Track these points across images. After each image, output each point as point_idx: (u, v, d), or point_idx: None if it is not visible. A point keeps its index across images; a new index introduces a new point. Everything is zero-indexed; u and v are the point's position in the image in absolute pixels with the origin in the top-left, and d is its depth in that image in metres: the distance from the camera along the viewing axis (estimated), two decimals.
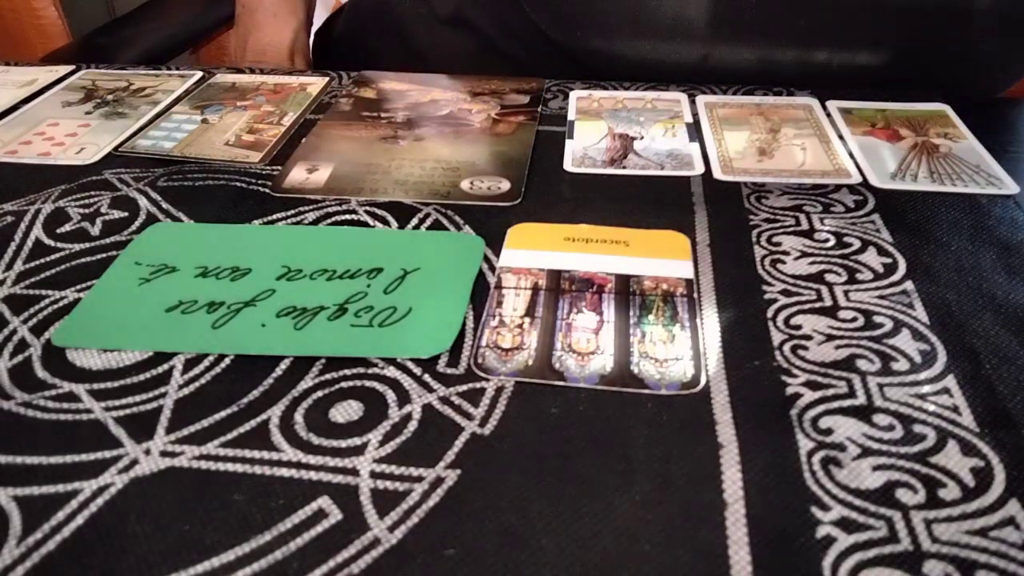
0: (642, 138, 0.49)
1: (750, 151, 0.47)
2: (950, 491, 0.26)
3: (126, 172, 0.46)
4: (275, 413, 0.30)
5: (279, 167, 0.46)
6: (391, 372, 0.31)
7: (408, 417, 0.29)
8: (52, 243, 0.40)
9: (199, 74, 0.58)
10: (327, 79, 0.58)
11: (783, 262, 0.37)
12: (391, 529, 0.25)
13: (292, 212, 0.42)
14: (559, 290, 0.35)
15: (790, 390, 0.30)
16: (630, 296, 0.35)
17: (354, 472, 0.27)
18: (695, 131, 0.49)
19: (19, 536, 0.25)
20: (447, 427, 0.29)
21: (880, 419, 0.29)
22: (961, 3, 0.53)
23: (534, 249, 0.38)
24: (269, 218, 0.42)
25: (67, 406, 0.30)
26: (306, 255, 0.38)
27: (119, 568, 0.24)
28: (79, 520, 0.26)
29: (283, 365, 0.32)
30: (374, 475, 0.27)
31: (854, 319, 0.34)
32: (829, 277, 0.36)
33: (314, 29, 0.76)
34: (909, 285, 0.36)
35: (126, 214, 0.42)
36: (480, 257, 0.38)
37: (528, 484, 0.27)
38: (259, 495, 0.27)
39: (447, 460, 0.28)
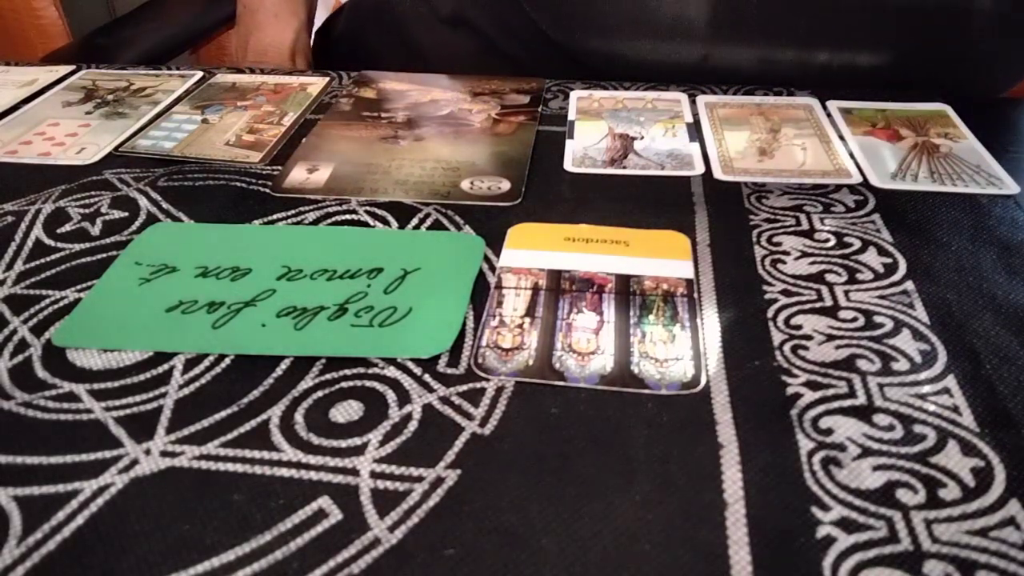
0: (642, 138, 0.49)
1: (750, 151, 0.47)
2: (950, 491, 0.26)
3: (126, 172, 0.46)
4: (275, 413, 0.30)
5: (279, 167, 0.46)
6: (391, 372, 0.31)
7: (408, 417, 0.29)
8: (52, 243, 0.40)
9: (199, 74, 0.58)
10: (327, 79, 0.58)
11: (783, 262, 0.37)
12: (391, 529, 0.25)
13: (292, 212, 0.42)
14: (559, 290, 0.35)
15: (790, 390, 0.30)
16: (630, 296, 0.35)
17: (354, 472, 0.27)
18: (695, 131, 0.49)
19: (19, 536, 0.25)
20: (447, 427, 0.29)
21: (880, 419, 0.29)
22: (961, 3, 0.53)
23: (534, 249, 0.38)
24: (269, 218, 0.42)
25: (67, 406, 0.30)
26: (306, 255, 0.38)
27: (119, 568, 0.24)
28: (79, 520, 0.26)
29: (283, 365, 0.32)
30: (374, 475, 0.27)
31: (854, 319, 0.34)
32: (829, 277, 0.36)
33: (314, 29, 0.76)
34: (909, 285, 0.36)
35: (126, 214, 0.42)
36: (480, 257, 0.38)
37: (528, 484, 0.27)
38: (259, 495, 0.27)
39: (447, 460, 0.28)
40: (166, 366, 0.32)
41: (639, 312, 0.34)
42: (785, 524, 0.25)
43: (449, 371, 0.31)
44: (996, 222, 0.40)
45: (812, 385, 0.30)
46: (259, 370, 0.32)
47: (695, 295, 0.35)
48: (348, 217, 0.41)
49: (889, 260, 0.37)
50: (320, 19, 0.77)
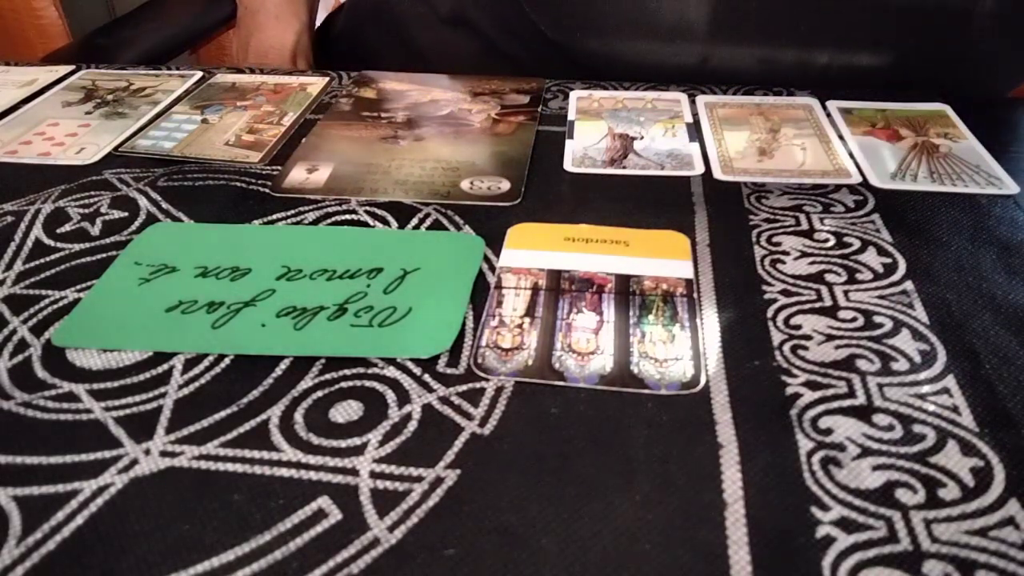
0: (642, 138, 0.49)
1: (750, 151, 0.47)
2: (950, 491, 0.26)
3: (126, 172, 0.46)
4: (275, 413, 0.30)
5: (279, 167, 0.46)
6: (391, 372, 0.31)
7: (408, 417, 0.29)
8: (52, 243, 0.40)
9: (199, 74, 0.58)
10: (327, 79, 0.58)
11: (783, 262, 0.37)
12: (391, 529, 0.25)
13: (292, 212, 0.42)
14: (559, 290, 0.36)
15: (790, 390, 0.30)
16: (630, 296, 0.35)
17: (354, 472, 0.27)
18: (695, 131, 0.49)
19: (19, 536, 0.25)
20: (447, 427, 0.29)
21: (880, 419, 0.29)
22: (962, 4, 0.53)
23: (534, 249, 0.38)
24: (269, 218, 0.42)
25: (67, 406, 0.30)
26: (306, 255, 0.38)
27: (119, 568, 0.24)
28: (79, 520, 0.26)
29: (283, 365, 0.32)
30: (374, 475, 0.27)
31: (854, 319, 0.34)
32: (829, 277, 0.36)
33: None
34: (909, 285, 0.36)
35: (126, 214, 0.42)
36: (480, 257, 0.38)
37: (528, 484, 0.27)
38: (259, 495, 0.27)
39: (447, 460, 0.28)
40: (166, 366, 0.32)
41: (639, 312, 0.34)
42: (785, 524, 0.25)
43: (449, 371, 0.31)
44: (996, 222, 0.40)
45: (812, 385, 0.30)
46: (259, 370, 0.32)
47: (695, 295, 0.35)
48: (348, 217, 0.41)
49: (889, 260, 0.37)
50: (319, 18, 0.77)
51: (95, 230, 0.41)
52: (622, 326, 0.33)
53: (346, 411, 0.30)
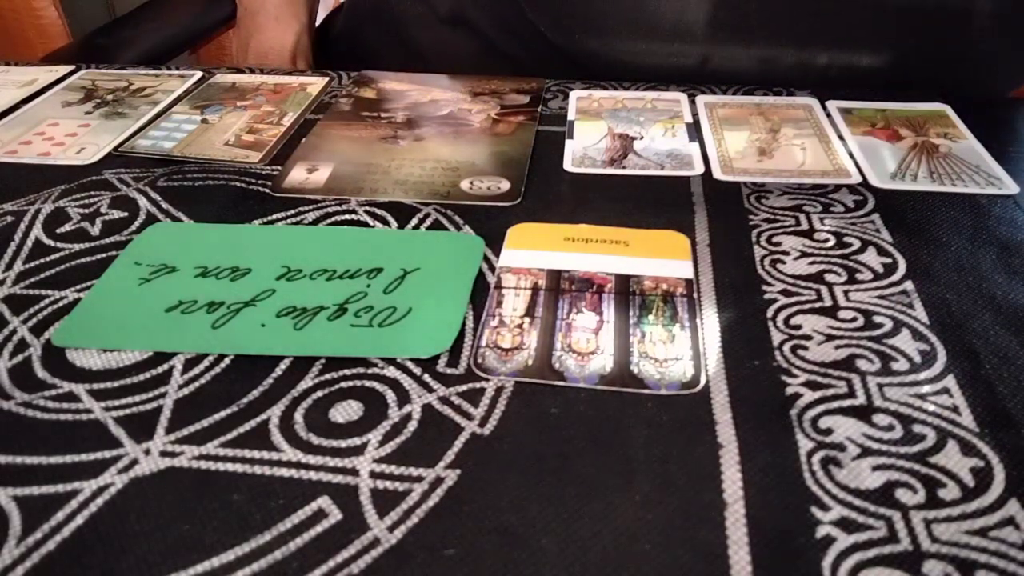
0: (642, 138, 0.49)
1: (750, 151, 0.47)
2: (950, 491, 0.26)
3: (126, 172, 0.46)
4: (275, 413, 0.30)
5: (279, 167, 0.46)
6: (391, 372, 0.31)
7: (408, 417, 0.29)
8: (52, 243, 0.40)
9: (199, 74, 0.58)
10: (327, 79, 0.58)
11: (783, 262, 0.37)
12: (391, 529, 0.25)
13: (292, 212, 0.42)
14: (559, 290, 0.36)
15: (790, 390, 0.30)
16: (630, 296, 0.35)
17: (354, 472, 0.27)
18: (695, 131, 0.49)
19: (19, 536, 0.25)
20: (447, 427, 0.29)
21: (880, 419, 0.29)
22: (962, 4, 0.53)
23: (534, 249, 0.38)
24: (269, 218, 0.42)
25: (67, 406, 0.30)
26: (306, 255, 0.38)
27: (119, 568, 0.24)
28: (79, 520, 0.26)
29: (283, 365, 0.32)
30: (374, 475, 0.27)
31: (854, 319, 0.34)
32: (829, 277, 0.36)
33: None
34: (909, 285, 0.36)
35: (126, 214, 0.42)
36: (480, 257, 0.38)
37: (528, 484, 0.27)
38: (259, 495, 0.27)
39: (447, 460, 0.28)
40: (166, 366, 0.32)
41: (639, 312, 0.34)
42: (785, 524, 0.25)
43: (449, 371, 0.31)
44: (996, 222, 0.40)
45: (812, 385, 0.30)
46: (259, 370, 0.32)
47: (695, 295, 0.35)
48: (348, 217, 0.41)
49: (888, 260, 0.37)
50: (319, 17, 0.77)
51: (95, 230, 0.41)
52: (622, 326, 0.33)
53: (346, 411, 0.30)
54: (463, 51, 0.63)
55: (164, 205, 0.43)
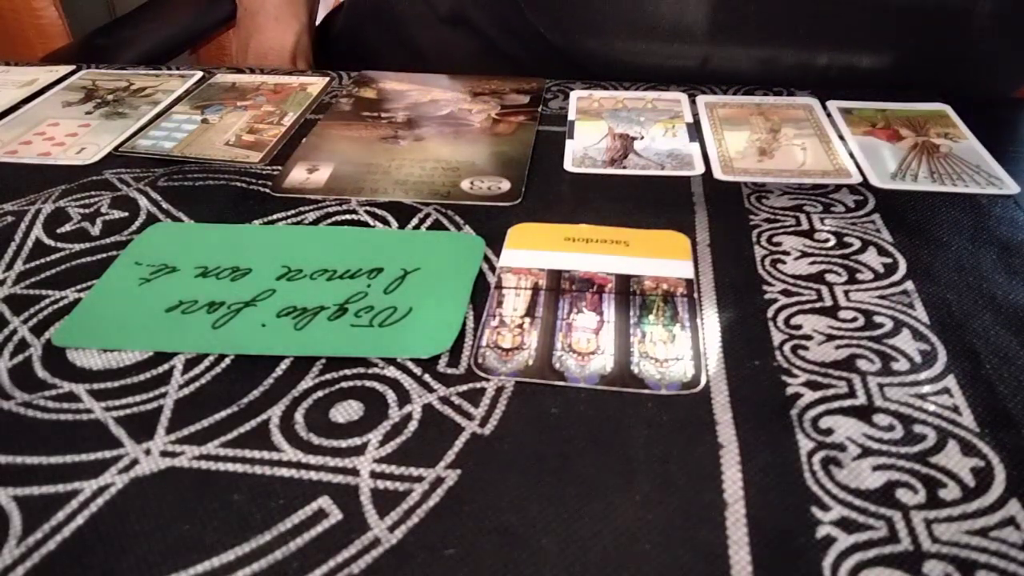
0: (642, 138, 0.49)
1: (750, 151, 0.47)
2: (950, 491, 0.26)
3: (126, 172, 0.46)
4: (275, 413, 0.30)
5: (279, 167, 0.46)
6: (391, 372, 0.31)
7: (408, 417, 0.29)
8: (52, 243, 0.40)
9: (199, 74, 0.58)
10: (327, 79, 0.58)
11: (783, 262, 0.37)
12: (391, 529, 0.25)
13: (292, 212, 0.42)
14: (559, 290, 0.35)
15: (790, 390, 0.30)
16: (630, 296, 0.35)
17: (354, 472, 0.27)
18: (695, 131, 0.49)
19: (19, 536, 0.25)
20: (447, 427, 0.29)
21: (880, 419, 0.29)
22: (962, 5, 0.53)
23: (534, 249, 0.38)
24: (269, 218, 0.42)
25: (67, 406, 0.30)
26: (306, 255, 0.38)
27: (119, 568, 0.24)
28: (79, 520, 0.26)
29: (283, 365, 0.32)
30: (374, 475, 0.27)
31: (854, 319, 0.34)
32: (829, 277, 0.36)
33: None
34: (909, 285, 0.36)
35: (126, 214, 0.42)
36: (480, 257, 0.38)
37: (528, 484, 0.27)
38: (259, 495, 0.27)
39: (447, 460, 0.28)
40: (166, 366, 0.32)
41: (639, 312, 0.34)
42: (785, 524, 0.25)
43: (449, 371, 0.31)
44: (996, 222, 0.40)
45: (812, 385, 0.30)
46: (259, 370, 0.32)
47: (695, 295, 0.35)
48: (348, 217, 0.41)
49: (889, 260, 0.37)
50: (319, 17, 0.77)
51: (95, 230, 0.41)
52: (622, 326, 0.33)
53: (346, 411, 0.30)
54: (463, 51, 0.63)
55: (164, 205, 0.43)
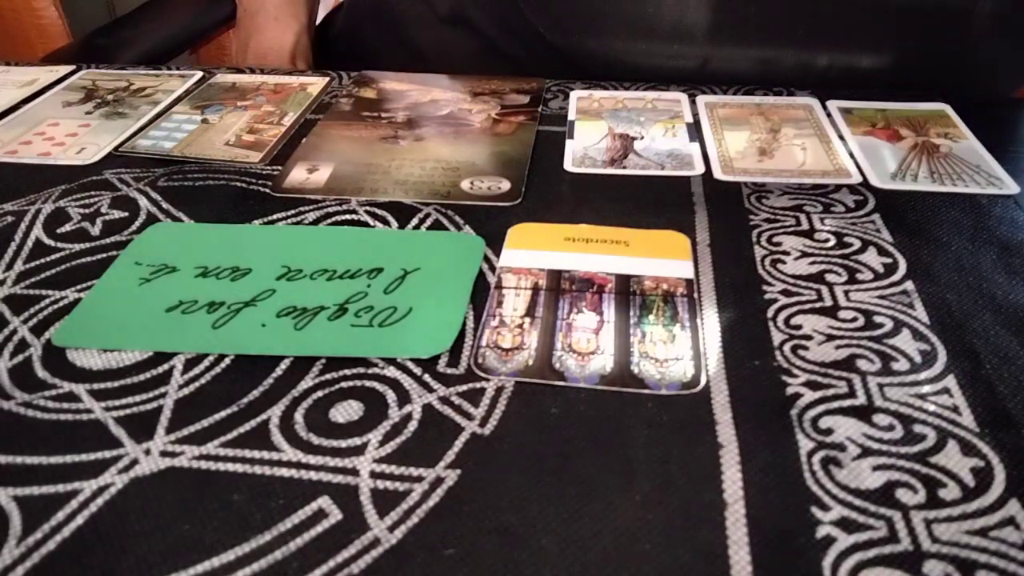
0: (642, 138, 0.49)
1: (750, 151, 0.47)
2: (950, 491, 0.26)
3: (126, 172, 0.46)
4: (275, 413, 0.30)
5: (279, 167, 0.46)
6: (391, 372, 0.31)
7: (408, 417, 0.29)
8: (52, 243, 0.40)
9: (199, 74, 0.58)
10: (327, 79, 0.58)
11: (783, 262, 0.37)
12: (391, 529, 0.25)
13: (292, 212, 0.42)
14: (559, 290, 0.35)
15: (790, 390, 0.30)
16: (630, 296, 0.35)
17: (354, 472, 0.27)
18: (695, 131, 0.49)
19: (19, 536, 0.25)
20: (447, 427, 0.29)
21: (880, 419, 0.29)
22: (962, 5, 0.53)
23: (534, 249, 0.38)
24: (269, 218, 0.42)
25: (67, 406, 0.30)
26: (306, 255, 0.38)
27: (119, 568, 0.24)
28: (79, 520, 0.26)
29: (283, 365, 0.32)
30: (374, 475, 0.27)
31: (854, 319, 0.34)
32: (829, 277, 0.36)
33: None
34: (909, 285, 0.36)
35: (126, 214, 0.42)
36: (480, 257, 0.38)
37: (528, 484, 0.27)
38: (259, 495, 0.27)
39: (447, 460, 0.28)
40: (166, 366, 0.32)
41: (639, 312, 0.34)
42: (785, 524, 0.25)
43: (449, 371, 0.31)
44: (996, 222, 0.40)
45: (812, 385, 0.30)
46: (259, 370, 0.32)
47: (695, 295, 0.35)
48: (348, 217, 0.41)
49: (889, 260, 0.37)
50: (319, 16, 0.77)
51: (95, 230, 0.41)
52: (622, 326, 0.33)
53: (346, 411, 0.30)
54: (463, 51, 0.63)
55: (164, 205, 0.43)
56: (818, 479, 0.27)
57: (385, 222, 0.41)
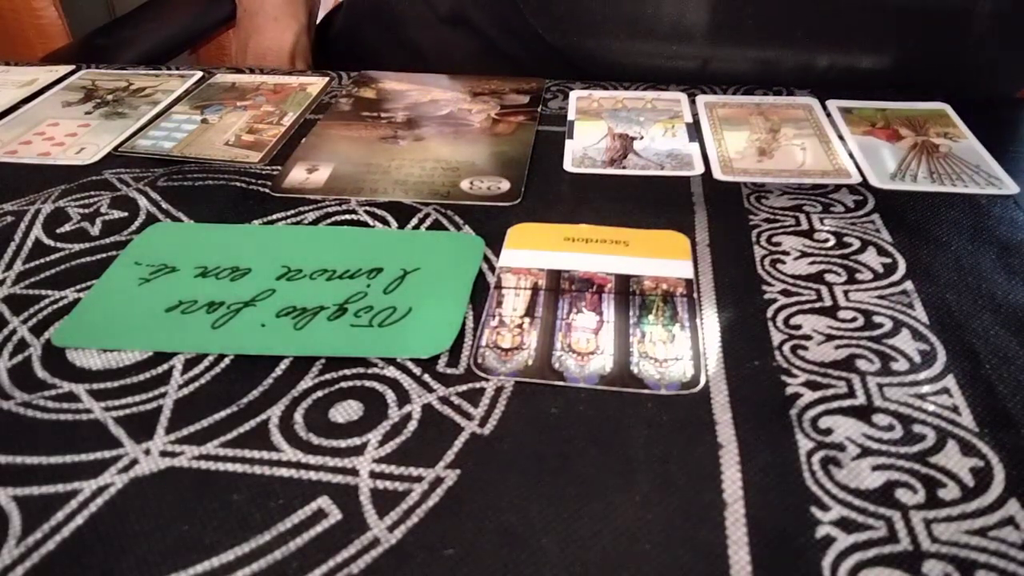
0: (642, 138, 0.49)
1: (750, 151, 0.47)
2: (950, 491, 0.26)
3: (126, 172, 0.46)
4: (275, 413, 0.30)
5: (279, 167, 0.46)
6: (391, 372, 0.31)
7: (408, 417, 0.29)
8: (52, 243, 0.40)
9: (199, 74, 0.58)
10: (327, 79, 0.58)
11: (783, 262, 0.37)
12: (391, 529, 0.25)
13: (292, 212, 0.42)
14: (559, 290, 0.36)
15: (790, 390, 0.30)
16: (630, 296, 0.35)
17: (354, 472, 0.27)
18: (695, 131, 0.49)
19: (19, 536, 0.25)
20: (447, 427, 0.29)
21: (880, 419, 0.29)
22: (962, 5, 0.53)
23: (534, 249, 0.38)
24: (269, 218, 0.42)
25: (67, 406, 0.30)
26: (306, 255, 0.38)
27: (119, 568, 0.24)
28: (79, 520, 0.26)
29: (283, 365, 0.32)
30: (374, 475, 0.27)
31: (854, 319, 0.34)
32: (829, 277, 0.36)
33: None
34: (909, 285, 0.36)
35: (126, 214, 0.42)
36: (480, 257, 0.38)
37: (528, 484, 0.27)
38: (259, 495, 0.27)
39: (447, 460, 0.28)
40: (166, 366, 0.32)
41: (639, 312, 0.34)
42: (784, 524, 0.25)
43: (449, 371, 0.31)
44: (996, 222, 0.40)
45: (811, 385, 0.30)
46: (259, 370, 0.32)
47: (695, 295, 0.35)
48: (348, 217, 0.41)
49: (888, 260, 0.37)
50: (318, 16, 0.77)
51: (95, 230, 0.41)
52: (622, 326, 0.33)
53: (346, 411, 0.30)
54: (463, 51, 0.63)
55: (164, 205, 0.43)
56: (818, 479, 0.27)
57: (385, 222, 0.41)
